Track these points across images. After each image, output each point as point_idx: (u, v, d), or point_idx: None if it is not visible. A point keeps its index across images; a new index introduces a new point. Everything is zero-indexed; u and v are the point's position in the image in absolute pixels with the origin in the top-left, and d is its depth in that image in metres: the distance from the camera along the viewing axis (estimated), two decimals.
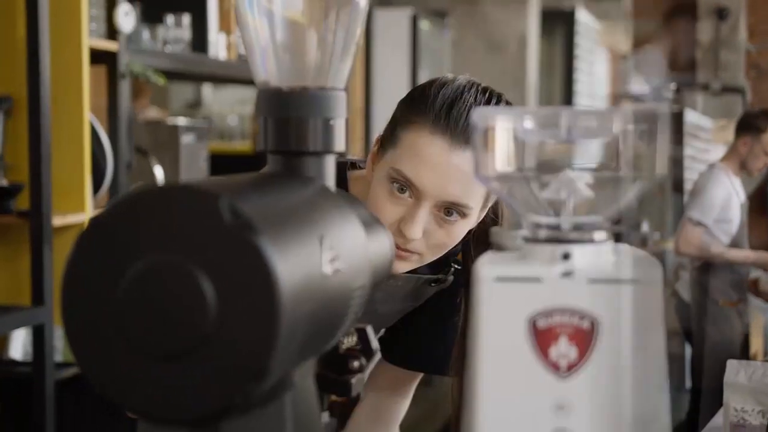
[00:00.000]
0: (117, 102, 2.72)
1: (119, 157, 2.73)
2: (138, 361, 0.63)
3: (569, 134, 0.72)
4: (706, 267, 4.37)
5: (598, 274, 0.69)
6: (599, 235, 0.72)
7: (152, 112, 3.96)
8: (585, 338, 0.69)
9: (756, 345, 4.62)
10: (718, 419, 2.17)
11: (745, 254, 4.39)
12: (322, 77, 0.85)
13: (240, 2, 0.84)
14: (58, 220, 2.46)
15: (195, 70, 3.12)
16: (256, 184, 0.73)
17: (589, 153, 0.74)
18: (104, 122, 2.74)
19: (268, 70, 0.84)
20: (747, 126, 4.32)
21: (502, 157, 0.73)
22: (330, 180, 0.84)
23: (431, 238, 1.28)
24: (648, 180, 0.72)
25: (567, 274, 0.69)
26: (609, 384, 0.69)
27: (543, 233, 0.72)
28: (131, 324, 0.62)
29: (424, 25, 5.16)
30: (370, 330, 0.90)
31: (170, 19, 3.09)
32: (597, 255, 0.71)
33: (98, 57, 2.68)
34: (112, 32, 2.72)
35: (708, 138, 7.99)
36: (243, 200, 0.64)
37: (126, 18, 2.69)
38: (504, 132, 0.73)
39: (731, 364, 1.97)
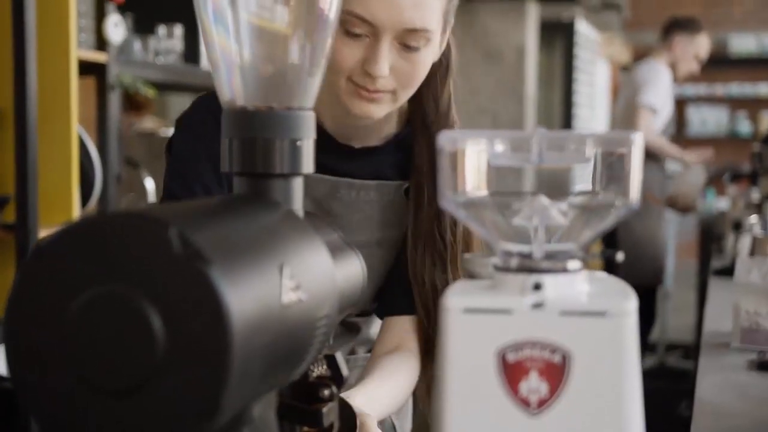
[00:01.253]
0: (106, 114, 2.69)
1: (108, 169, 2.70)
2: (84, 395, 0.60)
3: (541, 158, 0.69)
4: None
5: (570, 306, 0.66)
6: (572, 264, 0.69)
7: (148, 123, 3.93)
8: (556, 373, 0.66)
9: None
10: (723, 323, 2.00)
11: (682, 152, 4.72)
12: (289, 96, 0.82)
13: (204, 18, 0.81)
14: (45, 234, 2.43)
15: (186, 82, 3.09)
16: (214, 210, 0.70)
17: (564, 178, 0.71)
18: (94, 134, 2.72)
19: (233, 89, 0.81)
20: (681, 26, 4.46)
21: (470, 181, 0.70)
22: (297, 203, 0.81)
23: (399, 73, 1.23)
24: (623, 207, 0.69)
25: (538, 306, 0.67)
26: (582, 421, 0.66)
27: (514, 262, 0.69)
28: (76, 357, 0.60)
29: None
30: (339, 356, 0.87)
31: (162, 30, 3.06)
32: (570, 285, 0.68)
33: (88, 68, 2.66)
34: (101, 43, 2.69)
35: (595, 50, 8.05)
36: (195, 228, 0.61)
37: (116, 29, 2.66)
38: (473, 156, 0.70)
39: (742, 262, 1.84)
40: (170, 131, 3.25)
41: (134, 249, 0.59)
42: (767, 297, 1.86)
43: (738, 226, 3.31)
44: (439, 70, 1.34)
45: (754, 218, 3.10)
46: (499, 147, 0.69)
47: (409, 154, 1.37)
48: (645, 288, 4.45)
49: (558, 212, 0.69)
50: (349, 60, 1.21)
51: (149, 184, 2.97)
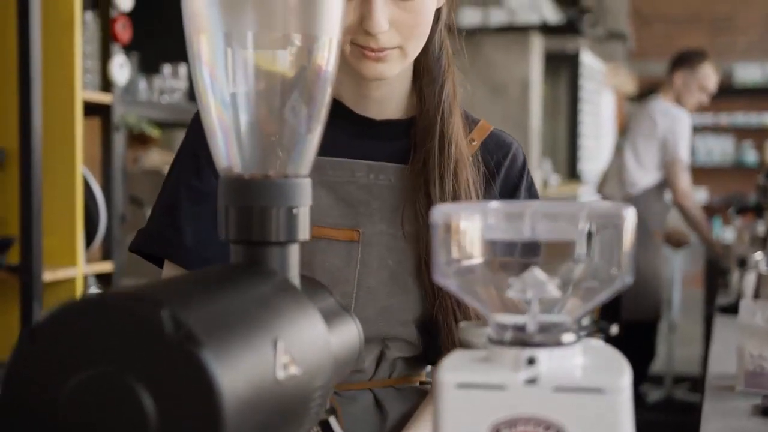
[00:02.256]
0: (111, 154, 2.71)
1: (113, 209, 2.71)
2: None
3: (533, 232, 0.69)
4: (642, 197, 4.46)
5: (565, 382, 0.66)
6: (567, 337, 0.69)
7: (155, 156, 3.94)
8: None
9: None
10: (728, 365, 1.98)
11: (714, 239, 4.67)
12: (285, 163, 0.82)
13: (201, 86, 0.82)
14: (49, 275, 2.44)
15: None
16: (208, 285, 0.70)
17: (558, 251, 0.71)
18: (98, 173, 2.73)
19: (230, 157, 0.82)
20: (681, 61, 4.49)
21: (463, 254, 0.70)
22: (293, 270, 0.81)
23: (400, 25, 1.17)
24: (617, 281, 0.69)
25: (531, 382, 0.66)
26: None
27: (508, 335, 0.69)
28: None
29: None
30: (333, 421, 0.87)
31: (167, 69, 3.09)
32: (564, 359, 0.68)
33: (93, 109, 2.67)
34: (107, 84, 2.71)
35: (601, 80, 8.07)
36: (188, 308, 0.61)
37: (121, 70, 2.68)
38: (465, 229, 0.70)
39: (745, 304, 1.82)
40: None
41: (127, 331, 0.59)
42: None
43: (743, 263, 3.30)
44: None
45: (759, 255, 3.09)
46: (492, 220, 0.69)
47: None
48: (645, 322, 4.45)
49: (552, 285, 0.69)
50: (346, 23, 1.15)
51: None
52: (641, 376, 4.57)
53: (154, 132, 2.85)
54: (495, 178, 1.31)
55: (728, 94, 9.96)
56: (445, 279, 0.71)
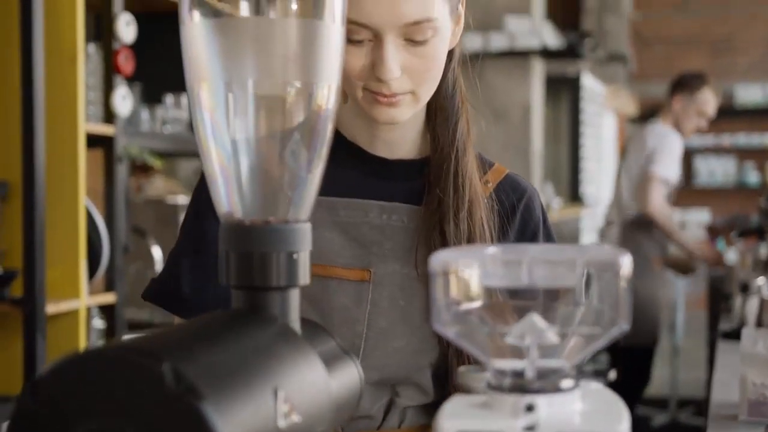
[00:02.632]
0: (114, 185, 2.72)
1: (116, 240, 2.72)
2: None
3: (531, 278, 0.69)
4: (637, 223, 4.45)
5: (564, 428, 0.66)
6: (565, 383, 0.69)
7: (158, 183, 3.96)
8: None
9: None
10: (731, 393, 1.96)
11: (691, 244, 4.63)
12: (285, 209, 0.83)
13: (202, 134, 0.82)
14: (52, 308, 2.44)
15: (193, 149, 3.11)
16: (208, 334, 0.70)
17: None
18: (101, 204, 2.74)
19: (231, 203, 0.83)
20: (680, 85, 4.49)
21: (461, 300, 0.71)
22: (294, 314, 0.82)
23: (412, 71, 1.16)
24: (614, 327, 0.69)
25: (530, 429, 0.67)
26: None
27: (507, 382, 0.70)
28: None
29: None
30: None
31: (169, 99, 3.10)
32: (563, 405, 0.68)
33: (95, 140, 2.69)
34: (109, 116, 2.72)
35: (602, 103, 8.08)
36: (188, 360, 0.62)
37: (123, 102, 2.69)
38: (463, 276, 0.70)
39: (747, 333, 1.81)
40: (177, 198, 3.28)
41: (128, 384, 0.60)
42: None
43: (746, 288, 3.29)
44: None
45: (761, 280, 3.09)
46: (490, 267, 0.70)
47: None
48: (642, 347, 4.45)
49: (550, 331, 0.70)
50: (358, 68, 1.15)
51: (156, 252, 2.99)
52: (635, 400, 4.57)
53: (156, 163, 2.86)
54: (510, 221, 1.29)
55: (730, 114, 9.99)
56: (444, 326, 0.71)
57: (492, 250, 0.73)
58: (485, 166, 1.32)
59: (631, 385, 4.45)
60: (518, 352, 0.71)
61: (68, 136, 2.52)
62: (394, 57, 1.14)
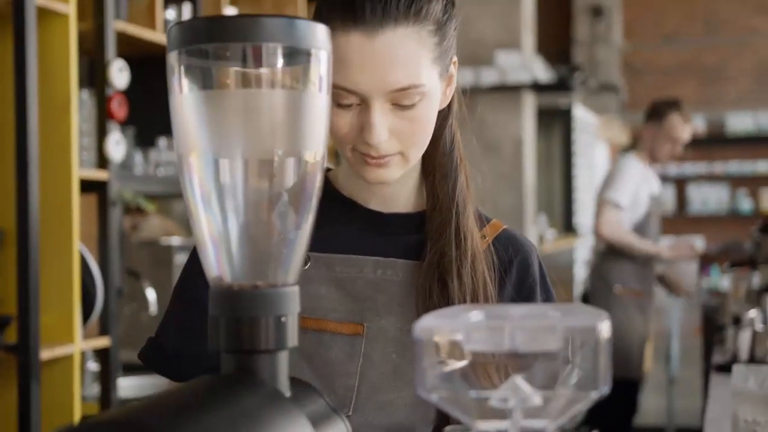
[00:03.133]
0: (107, 229, 2.73)
1: (110, 284, 2.73)
2: None
3: (513, 345, 0.71)
4: (607, 253, 4.46)
5: None
6: None
7: (154, 222, 3.97)
8: None
9: (648, 352, 4.69)
10: (723, 429, 1.96)
11: (658, 248, 4.56)
12: (274, 273, 0.85)
13: (191, 201, 0.84)
14: (46, 353, 2.45)
15: None
16: (196, 401, 0.72)
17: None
18: (95, 248, 2.75)
19: (220, 268, 0.84)
20: (651, 114, 4.52)
21: (445, 366, 0.72)
22: (282, 376, 0.83)
23: (400, 134, 1.16)
24: (594, 390, 0.71)
25: None
26: None
27: None
28: None
29: None
30: None
31: (162, 141, 3.13)
32: None
33: (89, 185, 2.70)
34: (103, 161, 2.74)
35: (594, 133, 8.11)
36: (176, 430, 0.63)
37: (117, 147, 2.71)
38: (447, 342, 0.72)
39: (738, 370, 1.80)
40: (172, 239, 3.29)
41: None
42: (765, 404, 1.85)
43: (737, 321, 3.31)
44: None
45: (753, 312, 3.11)
46: (474, 333, 0.72)
47: None
48: (625, 379, 4.45)
49: (533, 393, 0.71)
50: (346, 130, 1.17)
51: (151, 294, 3.00)
52: (626, 430, 4.58)
53: (149, 207, 2.88)
54: (507, 276, 1.30)
55: (721, 143, 10.05)
56: (428, 391, 0.73)
57: (475, 315, 0.74)
58: (482, 221, 1.33)
59: (619, 415, 4.47)
60: (502, 414, 0.73)
61: (62, 182, 2.53)
62: (382, 122, 1.15)
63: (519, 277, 1.31)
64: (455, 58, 1.25)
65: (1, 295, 2.49)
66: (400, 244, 1.28)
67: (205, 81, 0.81)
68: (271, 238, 0.84)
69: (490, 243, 1.30)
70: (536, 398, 0.72)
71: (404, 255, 1.27)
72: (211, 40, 0.80)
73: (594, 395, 0.72)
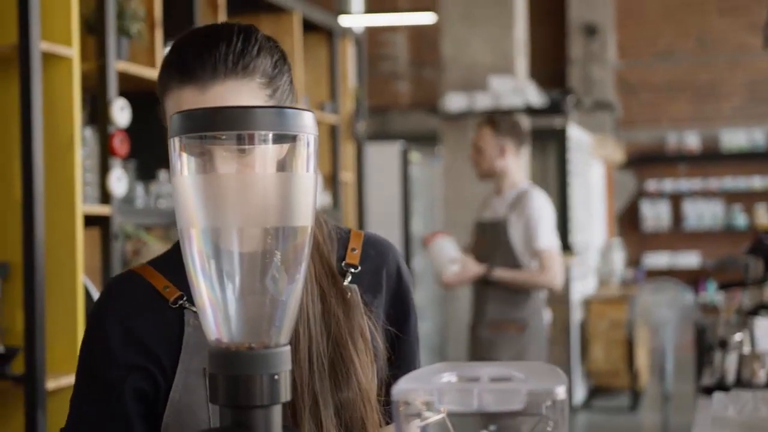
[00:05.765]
0: (110, 262, 2.82)
1: None
2: None
3: (481, 405, 0.80)
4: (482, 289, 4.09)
5: None
6: None
7: (155, 248, 4.04)
8: None
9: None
10: None
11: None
12: (268, 334, 0.93)
13: (192, 270, 0.93)
14: (52, 383, 2.53)
15: None
16: None
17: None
18: (98, 281, 2.84)
19: (219, 330, 0.93)
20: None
21: (421, 421, 0.81)
22: (276, 429, 0.92)
23: None
24: None
25: None
26: None
27: None
28: None
29: (414, 156, 5.30)
30: None
31: (163, 175, 3.22)
32: None
33: (92, 220, 2.79)
34: (105, 196, 2.83)
35: (589, 151, 8.17)
36: None
37: (119, 183, 2.80)
38: (422, 403, 0.81)
39: (718, 397, 1.85)
40: None
41: None
42: (744, 431, 1.91)
43: (724, 344, 3.38)
44: None
45: (739, 336, 3.17)
46: (446, 396, 0.80)
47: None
48: None
49: None
50: None
51: None
52: None
53: (150, 239, 2.97)
54: (378, 287, 1.36)
55: (716, 159, 10.15)
56: None
57: (447, 377, 0.83)
58: (341, 234, 1.38)
59: None
60: None
61: (67, 217, 2.62)
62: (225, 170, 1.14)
63: (393, 282, 1.38)
64: (290, 93, 1.31)
65: (8, 327, 2.58)
66: None
67: (203, 165, 0.90)
68: (264, 304, 0.93)
69: (359, 253, 1.36)
70: None
71: None
72: (209, 129, 0.89)
73: None
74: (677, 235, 10.44)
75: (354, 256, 1.36)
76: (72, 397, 1.30)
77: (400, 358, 1.37)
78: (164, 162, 3.19)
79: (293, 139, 0.91)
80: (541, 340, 4.09)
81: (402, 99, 9.93)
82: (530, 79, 6.10)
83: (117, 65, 2.88)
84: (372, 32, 9.34)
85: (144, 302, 1.31)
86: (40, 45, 2.53)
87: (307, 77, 4.50)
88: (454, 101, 5.45)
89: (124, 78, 2.95)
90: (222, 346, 0.92)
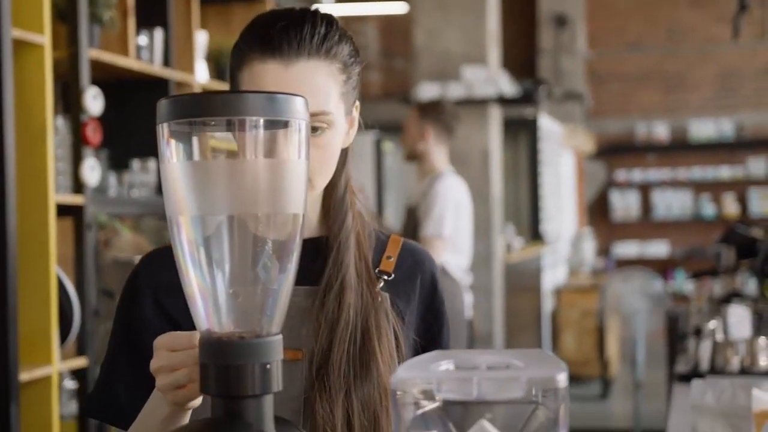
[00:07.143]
0: (83, 252, 2.79)
1: (86, 305, 2.78)
2: None
3: (480, 393, 0.79)
4: None
5: None
6: None
7: (127, 237, 4.00)
8: None
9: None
10: None
11: None
12: (259, 324, 0.92)
13: (181, 259, 0.91)
14: (25, 375, 2.50)
15: (160, 212, 3.19)
16: None
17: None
18: (71, 270, 2.80)
19: (209, 320, 0.91)
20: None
21: (418, 415, 0.80)
22: (268, 418, 0.90)
23: (310, 160, 1.19)
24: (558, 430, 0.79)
25: None
26: None
27: None
28: None
29: (388, 147, 5.28)
30: None
31: (136, 164, 3.18)
32: None
33: (65, 209, 2.76)
34: (78, 185, 2.79)
35: (560, 141, 8.23)
36: None
37: (92, 172, 2.77)
38: (420, 391, 0.80)
39: (697, 384, 1.85)
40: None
41: None
42: (723, 418, 1.91)
43: (698, 331, 3.40)
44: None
45: (713, 323, 3.19)
46: (444, 385, 0.79)
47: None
48: None
49: None
50: None
51: None
52: None
53: (123, 230, 2.94)
54: (413, 290, 1.36)
55: (684, 149, 10.22)
56: None
57: (446, 365, 0.82)
58: (380, 241, 1.38)
59: None
60: None
61: (39, 208, 2.58)
62: None
63: (426, 292, 1.37)
64: (358, 104, 1.34)
65: None
66: (303, 269, 1.33)
67: (192, 151, 0.88)
68: (255, 293, 0.92)
69: (395, 260, 1.36)
70: None
71: (305, 281, 1.28)
72: (198, 115, 0.88)
73: None
74: (646, 225, 10.50)
75: (389, 263, 1.36)
76: (104, 361, 1.32)
77: None
78: (137, 152, 3.16)
79: (285, 125, 0.89)
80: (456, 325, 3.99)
81: (373, 89, 9.89)
82: (502, 69, 6.11)
83: (89, 53, 2.84)
84: (343, 22, 9.27)
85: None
86: (11, 32, 2.48)
87: None
88: (427, 90, 5.43)
89: (97, 66, 2.91)
90: (213, 335, 0.91)
